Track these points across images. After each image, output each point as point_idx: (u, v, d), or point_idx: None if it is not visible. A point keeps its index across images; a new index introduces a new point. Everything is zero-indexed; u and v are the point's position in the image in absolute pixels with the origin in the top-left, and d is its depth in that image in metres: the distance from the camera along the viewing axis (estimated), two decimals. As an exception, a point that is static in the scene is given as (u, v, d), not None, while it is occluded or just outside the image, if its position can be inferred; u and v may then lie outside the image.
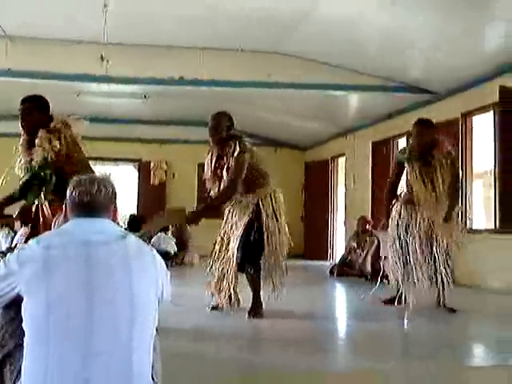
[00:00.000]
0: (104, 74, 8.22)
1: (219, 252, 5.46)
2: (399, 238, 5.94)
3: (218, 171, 5.45)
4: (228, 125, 5.38)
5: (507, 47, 7.62)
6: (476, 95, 8.58)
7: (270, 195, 5.44)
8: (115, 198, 2.24)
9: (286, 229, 5.55)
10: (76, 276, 1.99)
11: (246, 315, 5.20)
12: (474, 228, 8.73)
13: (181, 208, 5.49)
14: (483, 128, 8.91)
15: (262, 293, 5.41)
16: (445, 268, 5.72)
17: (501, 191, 7.61)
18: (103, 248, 2.06)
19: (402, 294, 5.87)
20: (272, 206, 5.41)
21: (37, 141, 4.24)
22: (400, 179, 6.19)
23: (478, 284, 7.98)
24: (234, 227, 5.38)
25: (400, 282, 5.88)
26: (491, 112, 8.25)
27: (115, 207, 2.25)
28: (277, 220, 5.41)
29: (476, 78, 8.44)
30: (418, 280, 5.74)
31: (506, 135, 7.61)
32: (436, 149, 5.85)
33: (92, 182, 2.19)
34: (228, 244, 5.41)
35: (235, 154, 5.22)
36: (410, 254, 5.79)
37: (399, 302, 5.86)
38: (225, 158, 5.36)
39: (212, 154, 5.54)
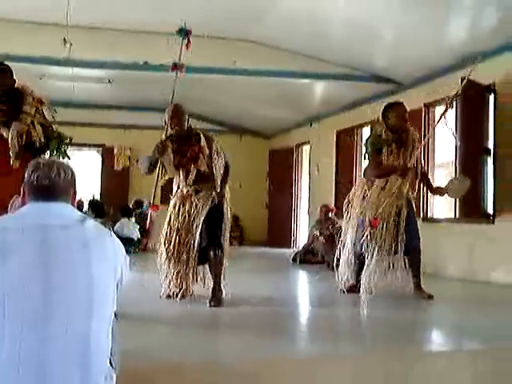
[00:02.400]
0: (67, 58, 8.09)
1: (179, 241, 5.40)
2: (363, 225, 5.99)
3: (185, 161, 5.47)
4: (187, 116, 5.54)
5: (471, 39, 7.73)
6: (439, 86, 8.67)
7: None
8: (74, 182, 2.23)
9: None
10: (33, 260, 1.97)
11: (207, 303, 5.13)
12: (434, 217, 8.87)
13: None
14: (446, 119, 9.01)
15: (222, 279, 5.39)
16: (410, 255, 5.85)
17: (461, 181, 7.71)
18: (61, 232, 2.04)
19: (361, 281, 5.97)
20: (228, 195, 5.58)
21: (25, 107, 4.45)
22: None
23: (437, 271, 8.12)
24: (195, 216, 5.34)
25: (361, 269, 5.95)
26: (453, 103, 8.34)
27: (74, 192, 2.23)
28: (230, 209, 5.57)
29: (439, 69, 8.54)
30: (383, 267, 5.84)
31: (467, 127, 7.70)
32: (409, 129, 6.05)
33: (51, 165, 2.17)
34: (187, 233, 5.36)
35: (207, 143, 5.41)
36: (374, 241, 5.86)
37: (359, 290, 5.95)
38: (192, 149, 5.41)
39: (171, 143, 5.54)
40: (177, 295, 5.43)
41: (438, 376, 3.32)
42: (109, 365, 2.11)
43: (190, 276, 5.41)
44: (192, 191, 5.47)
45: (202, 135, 5.46)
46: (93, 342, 2.00)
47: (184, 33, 5.70)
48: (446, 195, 6.37)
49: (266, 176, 15.18)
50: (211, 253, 5.31)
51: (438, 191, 6.33)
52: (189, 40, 5.71)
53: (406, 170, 5.92)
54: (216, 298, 5.20)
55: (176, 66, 5.73)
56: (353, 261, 6.08)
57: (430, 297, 5.80)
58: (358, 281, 5.99)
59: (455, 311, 5.63)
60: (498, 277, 7.35)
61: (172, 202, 5.56)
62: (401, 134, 6.01)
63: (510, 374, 3.23)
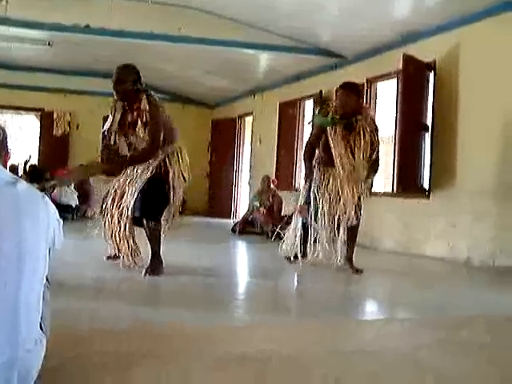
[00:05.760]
0: (3, 16, 7.77)
1: (113, 203, 5.21)
2: (309, 197, 6.02)
3: (126, 128, 5.23)
4: (134, 78, 5.18)
5: (414, 16, 7.82)
6: (381, 62, 8.79)
7: (177, 153, 5.29)
8: (6, 143, 2.16)
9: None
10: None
11: (143, 272, 5.01)
12: (372, 191, 8.99)
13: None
14: (386, 95, 9.16)
15: (162, 249, 5.21)
16: (349, 229, 5.91)
17: (399, 157, 7.86)
18: (-9, 193, 1.98)
19: (303, 251, 6.05)
20: (179, 164, 5.26)
21: None
22: (319, 142, 6.09)
23: (374, 244, 8.30)
24: (133, 181, 5.14)
25: (302, 240, 6.03)
26: (395, 79, 8.47)
27: (6, 153, 2.17)
28: (183, 178, 5.27)
29: (382, 45, 8.64)
30: (321, 240, 5.90)
31: (406, 103, 7.83)
32: (361, 114, 5.90)
33: (-19, 126, 2.10)
34: (122, 197, 5.16)
35: (148, 109, 5.08)
36: (318, 214, 5.91)
37: (299, 259, 6.05)
38: (133, 114, 5.17)
39: (116, 109, 5.31)
40: (114, 257, 5.36)
41: (370, 344, 3.40)
42: (39, 329, 2.09)
43: (122, 241, 5.18)
44: None
45: (145, 98, 5.13)
46: (23, 306, 1.96)
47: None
48: None
49: (208, 146, 15.13)
50: (144, 223, 5.17)
51: None
52: None
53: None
54: (151, 268, 5.08)
55: None
56: (298, 230, 6.13)
57: (359, 271, 5.80)
58: (302, 250, 6.08)
59: (389, 283, 5.79)
60: (432, 250, 7.56)
61: None
62: (349, 117, 5.87)
63: (442, 341, 3.34)
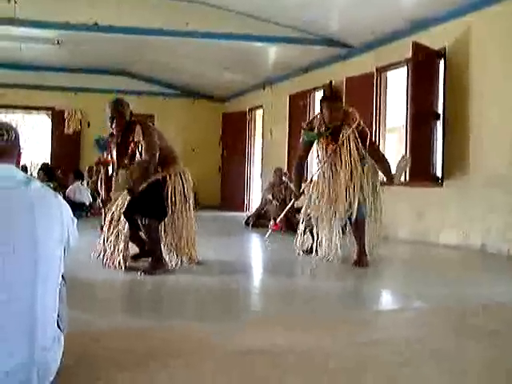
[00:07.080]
0: (12, 16, 7.80)
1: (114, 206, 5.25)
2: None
3: (124, 159, 5.29)
4: (130, 110, 5.26)
5: (422, 4, 7.77)
6: (391, 50, 8.74)
7: (180, 174, 5.25)
8: (19, 143, 2.18)
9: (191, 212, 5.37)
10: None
11: (139, 272, 4.93)
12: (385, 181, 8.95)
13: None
14: (397, 84, 9.11)
15: (163, 250, 5.15)
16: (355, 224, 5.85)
17: (411, 146, 7.83)
18: (6, 193, 2.00)
19: (317, 244, 6.03)
20: (182, 184, 5.22)
21: None
22: (307, 156, 6.20)
23: (389, 234, 8.25)
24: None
25: (315, 233, 6.01)
26: (405, 67, 8.42)
27: (19, 153, 2.19)
28: (185, 197, 5.23)
29: (391, 34, 8.59)
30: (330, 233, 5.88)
31: (417, 91, 7.78)
32: (345, 123, 5.76)
33: (-6, 126, 2.12)
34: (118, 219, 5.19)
35: (142, 136, 5.09)
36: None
37: (314, 253, 6.03)
38: (130, 146, 5.19)
39: (112, 144, 5.40)
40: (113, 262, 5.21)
41: (385, 334, 3.40)
42: (56, 327, 2.10)
43: (122, 243, 5.14)
44: None
45: (139, 129, 5.16)
46: (39, 304, 1.98)
47: (101, 146, 5.54)
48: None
49: (220, 140, 15.14)
50: (139, 221, 5.06)
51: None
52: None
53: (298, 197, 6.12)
54: (148, 266, 5.04)
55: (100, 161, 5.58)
56: (306, 223, 6.12)
57: (360, 265, 5.65)
58: (313, 244, 6.06)
59: (403, 273, 5.78)
60: (446, 238, 7.53)
61: None
62: (336, 127, 5.76)
63: (458, 329, 3.34)
